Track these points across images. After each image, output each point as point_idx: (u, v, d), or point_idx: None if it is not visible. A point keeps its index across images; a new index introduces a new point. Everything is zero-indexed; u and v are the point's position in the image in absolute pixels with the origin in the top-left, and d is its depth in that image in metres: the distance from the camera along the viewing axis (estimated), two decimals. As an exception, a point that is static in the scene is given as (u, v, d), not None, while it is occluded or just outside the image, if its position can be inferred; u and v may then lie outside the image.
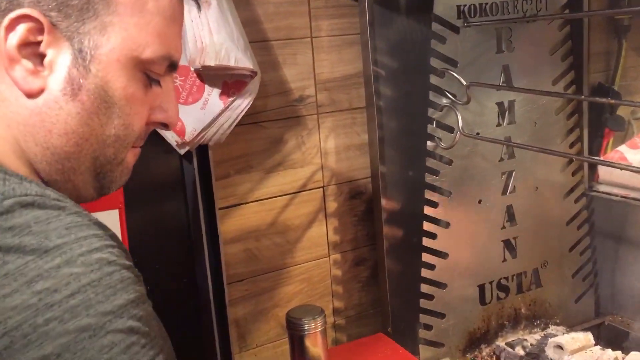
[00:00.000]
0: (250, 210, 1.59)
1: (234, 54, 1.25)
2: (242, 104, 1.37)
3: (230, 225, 1.56)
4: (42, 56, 0.66)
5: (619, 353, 1.61)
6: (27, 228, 0.58)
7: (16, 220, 0.58)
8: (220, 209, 1.52)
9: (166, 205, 1.53)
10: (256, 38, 1.51)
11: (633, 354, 1.59)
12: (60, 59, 0.67)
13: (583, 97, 1.73)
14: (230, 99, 1.35)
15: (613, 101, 1.91)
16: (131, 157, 0.76)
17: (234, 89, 1.35)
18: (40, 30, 0.65)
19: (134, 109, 0.71)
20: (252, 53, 1.36)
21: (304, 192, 1.67)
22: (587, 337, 1.67)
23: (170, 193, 1.52)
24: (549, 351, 1.61)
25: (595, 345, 1.68)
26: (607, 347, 1.74)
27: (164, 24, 0.71)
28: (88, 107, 0.68)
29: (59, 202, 0.62)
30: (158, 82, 0.74)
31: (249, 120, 1.55)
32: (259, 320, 1.64)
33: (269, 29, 1.54)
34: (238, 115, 1.39)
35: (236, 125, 1.43)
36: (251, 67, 1.30)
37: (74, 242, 0.58)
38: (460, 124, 1.54)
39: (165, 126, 0.78)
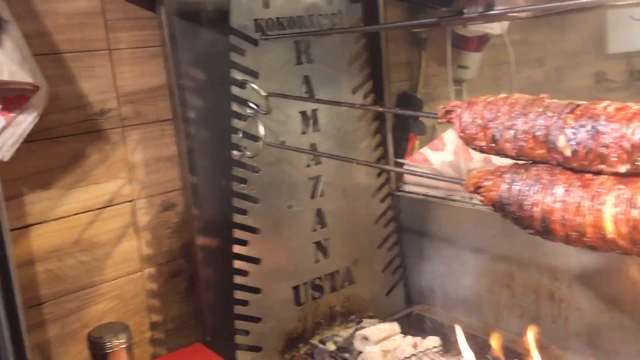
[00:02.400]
0: (49, 229, 1.52)
1: (7, 68, 1.19)
2: (27, 119, 1.31)
3: (26, 246, 1.48)
4: None
5: (418, 339, 1.76)
6: None
7: None
8: (12, 230, 1.43)
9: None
10: (45, 50, 1.45)
11: (429, 338, 1.75)
12: None
13: (378, 107, 1.86)
14: (12, 115, 1.29)
15: (400, 111, 2.05)
16: None
17: (15, 104, 1.28)
18: None
19: None
20: (35, 66, 1.31)
21: (111, 207, 1.63)
22: (393, 327, 1.80)
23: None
24: (357, 343, 1.72)
25: (402, 333, 1.82)
26: (418, 334, 1.89)
27: None
28: None
29: None
30: None
31: (44, 135, 1.49)
32: (67, 343, 1.58)
33: (61, 41, 1.49)
34: (24, 131, 1.33)
35: (29, 142, 1.37)
36: (30, 80, 1.25)
37: None
38: (262, 133, 1.60)
39: None
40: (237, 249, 1.67)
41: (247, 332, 1.71)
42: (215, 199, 1.74)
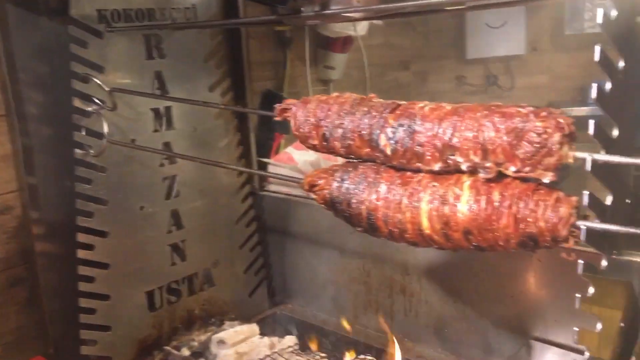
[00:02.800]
0: None
1: None
2: None
3: None
4: None
5: (276, 339, 1.75)
6: None
7: None
8: None
9: None
10: None
11: (286, 338, 1.75)
12: None
13: (223, 106, 1.83)
14: None
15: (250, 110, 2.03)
16: None
17: None
18: None
19: None
20: None
21: None
22: (252, 329, 1.78)
23: None
24: (213, 347, 1.68)
25: (261, 335, 1.80)
26: (280, 334, 1.88)
27: None
28: None
29: None
30: None
31: None
32: None
33: None
34: None
35: None
36: None
37: None
38: (106, 130, 1.51)
39: None
40: (82, 253, 1.57)
41: (94, 342, 1.61)
42: (58, 201, 1.61)
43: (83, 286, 1.58)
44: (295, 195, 2.01)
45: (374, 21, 2.42)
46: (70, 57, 1.50)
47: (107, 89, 1.49)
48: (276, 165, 2.14)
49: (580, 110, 2.84)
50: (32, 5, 1.54)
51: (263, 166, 2.13)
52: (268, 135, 2.28)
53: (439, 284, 1.67)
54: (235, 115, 1.92)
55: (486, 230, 0.81)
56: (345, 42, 2.50)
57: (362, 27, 2.33)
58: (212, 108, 1.81)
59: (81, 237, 1.56)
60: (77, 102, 1.53)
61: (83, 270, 1.57)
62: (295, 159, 2.20)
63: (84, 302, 1.58)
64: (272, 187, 2.10)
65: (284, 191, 2.05)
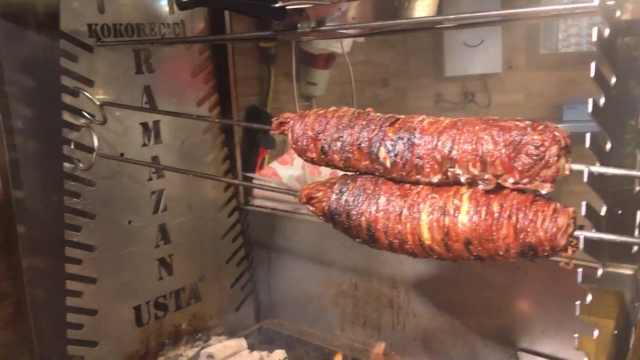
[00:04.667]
0: None
1: None
2: None
3: None
4: None
5: (265, 353, 1.75)
6: None
7: None
8: None
9: None
10: None
11: (276, 352, 1.75)
12: None
13: (216, 120, 1.84)
14: None
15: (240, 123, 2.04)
16: None
17: None
18: None
19: None
20: None
21: None
22: (240, 343, 1.78)
23: None
24: (201, 362, 1.67)
25: (249, 349, 1.80)
26: (267, 348, 1.88)
27: None
28: None
29: None
30: None
31: None
32: None
33: None
34: None
35: None
36: None
37: None
38: (96, 144, 1.51)
39: None
40: (70, 268, 1.56)
41: (81, 358, 1.59)
42: (45, 215, 1.60)
43: (70, 301, 1.56)
44: (281, 210, 2.02)
45: (357, 38, 2.46)
46: (60, 71, 1.50)
47: (97, 102, 1.49)
48: (261, 180, 2.15)
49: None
50: (20, 19, 1.53)
51: (248, 180, 2.14)
52: (252, 150, 2.30)
53: (427, 296, 1.69)
54: (222, 129, 1.93)
55: (487, 241, 0.83)
56: (328, 59, 2.54)
57: (347, 44, 2.37)
58: (200, 122, 1.82)
59: (69, 252, 1.55)
60: (67, 116, 1.52)
61: (70, 285, 1.56)
62: (279, 174, 2.22)
63: (71, 318, 1.56)
64: (257, 202, 2.11)
65: (269, 205, 2.06)
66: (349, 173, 1.04)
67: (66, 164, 1.54)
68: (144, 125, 1.69)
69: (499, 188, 0.85)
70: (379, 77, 3.12)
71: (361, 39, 2.55)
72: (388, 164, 0.93)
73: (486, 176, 0.84)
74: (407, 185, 0.94)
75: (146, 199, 1.72)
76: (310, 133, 1.04)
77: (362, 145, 0.97)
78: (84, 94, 1.50)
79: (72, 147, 1.54)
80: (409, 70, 3.30)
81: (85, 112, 1.53)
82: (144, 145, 1.69)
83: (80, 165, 1.53)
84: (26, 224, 1.57)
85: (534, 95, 3.32)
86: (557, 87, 3.18)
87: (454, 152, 0.86)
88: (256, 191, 2.13)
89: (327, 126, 1.02)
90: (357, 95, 2.76)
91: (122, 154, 1.64)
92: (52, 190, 1.57)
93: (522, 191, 0.83)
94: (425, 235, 0.90)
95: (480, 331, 1.59)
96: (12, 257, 1.60)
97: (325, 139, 1.02)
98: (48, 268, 1.60)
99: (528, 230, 0.80)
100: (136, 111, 1.64)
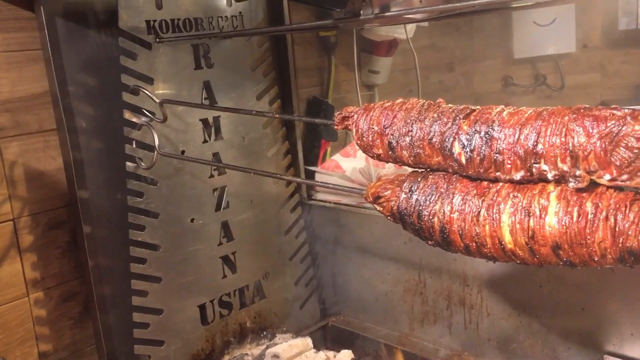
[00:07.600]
0: None
1: None
2: None
3: None
4: None
5: (331, 353, 1.70)
6: None
7: None
8: None
9: None
10: None
11: (342, 352, 1.69)
12: None
13: (276, 115, 1.79)
14: None
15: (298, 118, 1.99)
16: None
17: None
18: None
19: None
20: None
21: (-12, 228, 1.47)
22: (305, 342, 1.73)
23: None
24: (267, 362, 1.64)
25: (315, 348, 1.76)
26: (333, 347, 1.83)
27: None
28: None
29: None
30: None
31: None
32: (-61, 383, 1.40)
33: None
34: None
35: None
36: None
37: None
38: (157, 142, 1.49)
39: None
40: (134, 267, 1.55)
41: (148, 357, 1.59)
42: (109, 214, 1.60)
43: (136, 300, 1.56)
44: (345, 204, 1.96)
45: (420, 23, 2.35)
46: (120, 70, 1.49)
47: (157, 100, 1.47)
48: (324, 174, 2.10)
49: (637, 109, 2.70)
50: (81, 19, 1.53)
51: (310, 174, 2.09)
52: (314, 142, 2.24)
53: (501, 294, 1.59)
54: (283, 123, 1.88)
55: (579, 245, 0.74)
56: (391, 46, 2.44)
57: (410, 29, 2.27)
58: (260, 117, 1.77)
59: (133, 251, 1.54)
60: (128, 115, 1.51)
61: (136, 284, 1.55)
62: (342, 167, 2.16)
63: (137, 317, 1.56)
64: (320, 196, 2.05)
65: (332, 199, 2.00)
66: (419, 170, 0.97)
67: (129, 163, 1.53)
68: (204, 121, 1.66)
69: (592, 186, 0.75)
70: (443, 62, 2.99)
71: (425, 23, 2.43)
72: (463, 160, 0.85)
73: (578, 172, 0.75)
74: (485, 183, 0.85)
75: (208, 196, 1.69)
76: (376, 128, 0.97)
77: (434, 140, 0.89)
78: (144, 92, 1.47)
79: (134, 145, 1.52)
80: (475, 53, 3.15)
81: (146, 110, 1.51)
82: (205, 141, 1.67)
83: (142, 164, 1.52)
84: (91, 224, 1.58)
85: (612, 75, 3.09)
86: (637, 66, 2.95)
87: (539, 146, 0.77)
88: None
89: (395, 120, 0.95)
90: (422, 82, 2.65)
91: (183, 152, 1.62)
92: (116, 189, 1.57)
93: (619, 189, 0.74)
94: (507, 238, 0.81)
95: (561, 333, 1.48)
96: (79, 256, 1.62)
97: (392, 134, 0.95)
98: (114, 267, 1.60)
99: (629, 233, 0.71)
100: (196, 108, 1.61)
